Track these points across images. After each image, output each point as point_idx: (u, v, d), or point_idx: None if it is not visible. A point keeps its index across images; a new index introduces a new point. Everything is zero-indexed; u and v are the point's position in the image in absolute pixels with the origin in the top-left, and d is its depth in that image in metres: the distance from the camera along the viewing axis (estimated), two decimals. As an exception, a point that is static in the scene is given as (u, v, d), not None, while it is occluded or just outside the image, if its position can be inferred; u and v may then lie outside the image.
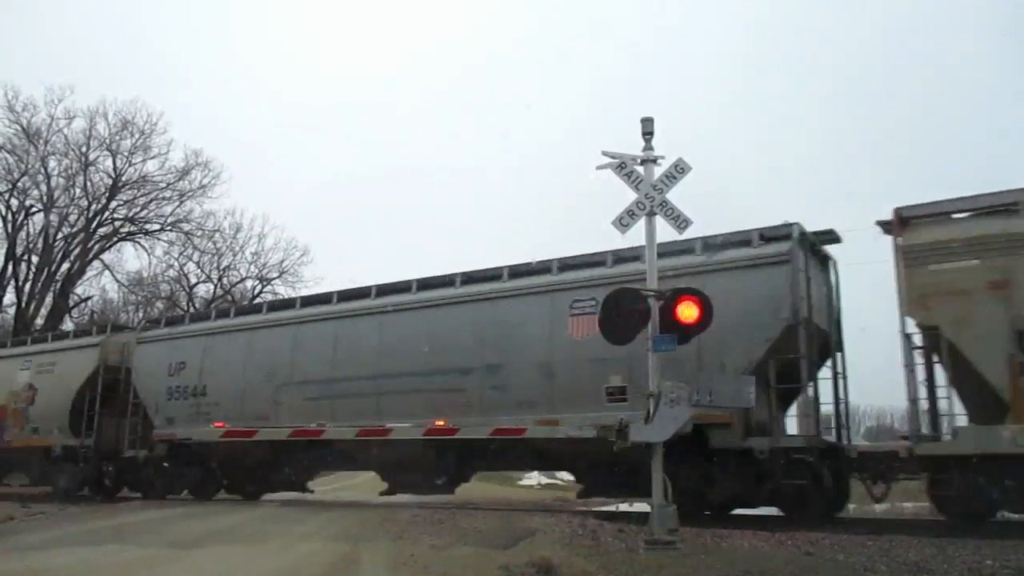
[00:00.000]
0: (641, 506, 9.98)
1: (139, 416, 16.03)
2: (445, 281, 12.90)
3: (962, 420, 9.42)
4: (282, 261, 35.08)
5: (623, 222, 8.22)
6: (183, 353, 15.58)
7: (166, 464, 15.39)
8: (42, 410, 17.53)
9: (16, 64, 56.94)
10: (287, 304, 15.63)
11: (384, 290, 13.60)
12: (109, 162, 33.12)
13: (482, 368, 11.80)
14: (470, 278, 12.66)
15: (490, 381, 11.70)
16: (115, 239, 34.26)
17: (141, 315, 32.35)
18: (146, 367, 16.24)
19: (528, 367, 11.42)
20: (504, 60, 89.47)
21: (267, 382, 14.13)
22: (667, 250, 9.52)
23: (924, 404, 9.69)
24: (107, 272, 34.61)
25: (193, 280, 35.73)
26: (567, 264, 11.78)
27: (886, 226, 9.80)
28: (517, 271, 12.22)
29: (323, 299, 14.60)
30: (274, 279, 35.11)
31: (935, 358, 9.59)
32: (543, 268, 11.91)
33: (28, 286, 32.21)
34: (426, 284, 13.11)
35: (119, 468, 16.61)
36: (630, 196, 8.23)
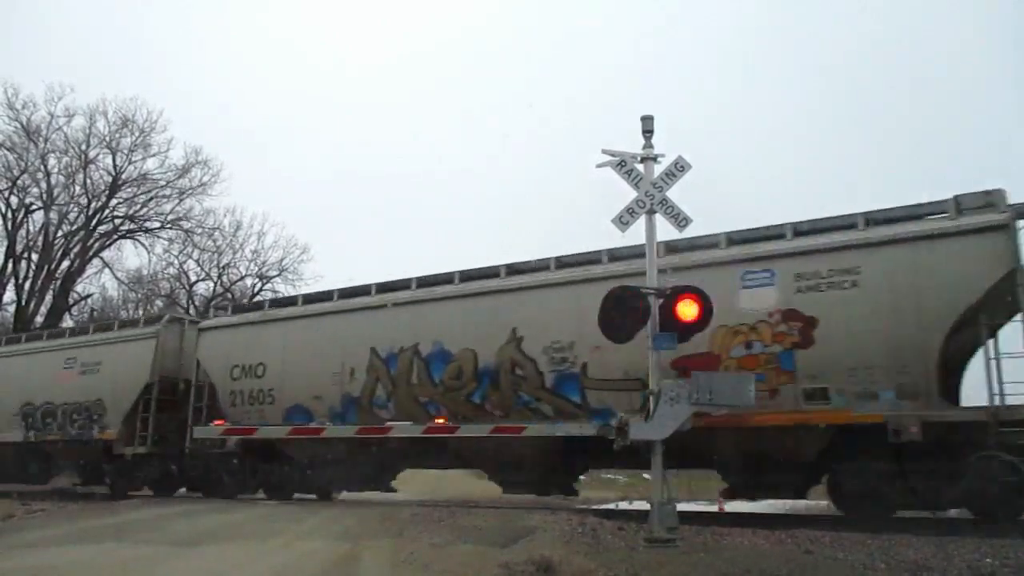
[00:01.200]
0: (640, 504, 9.99)
1: None
2: None
3: None
4: (282, 259, 35.03)
5: (623, 220, 8.24)
6: None
7: None
8: (848, 353, 9.13)
9: (16, 62, 56.98)
10: None
11: None
12: (109, 160, 33.07)
13: None
14: None
15: None
16: (115, 237, 34.22)
17: (140, 313, 32.28)
18: None
19: None
20: (505, 59, 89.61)
21: None
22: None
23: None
24: (107, 270, 34.59)
25: (193, 278, 35.74)
26: None
27: None
28: None
29: None
30: (274, 277, 35.13)
31: None
32: None
33: (28, 284, 32.17)
34: None
35: None
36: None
